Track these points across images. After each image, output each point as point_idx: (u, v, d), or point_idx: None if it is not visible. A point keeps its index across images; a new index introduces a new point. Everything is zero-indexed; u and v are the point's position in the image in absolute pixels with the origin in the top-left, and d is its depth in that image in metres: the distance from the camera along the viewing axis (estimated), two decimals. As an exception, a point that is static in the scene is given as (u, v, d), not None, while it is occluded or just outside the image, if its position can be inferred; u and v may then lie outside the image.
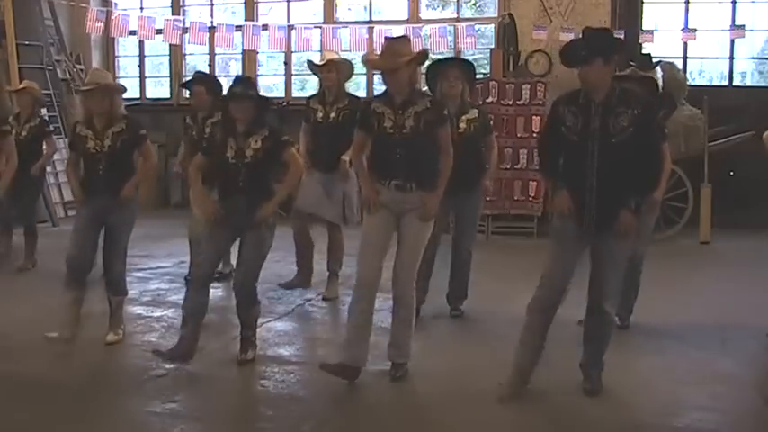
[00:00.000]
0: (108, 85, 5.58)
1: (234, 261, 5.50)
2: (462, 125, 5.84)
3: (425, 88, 6.10)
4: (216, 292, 5.59)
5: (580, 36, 4.47)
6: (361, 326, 4.75)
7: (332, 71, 6.47)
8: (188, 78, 7.71)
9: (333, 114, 6.45)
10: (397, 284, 4.79)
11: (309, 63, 6.84)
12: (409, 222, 4.75)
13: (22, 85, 8.10)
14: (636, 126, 4.25)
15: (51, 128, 8.58)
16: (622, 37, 9.74)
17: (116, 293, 5.63)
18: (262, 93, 5.43)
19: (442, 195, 4.80)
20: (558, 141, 4.46)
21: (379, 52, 5.07)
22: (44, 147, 7.95)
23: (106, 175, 5.41)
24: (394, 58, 4.68)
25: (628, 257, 4.62)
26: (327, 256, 6.80)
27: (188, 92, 7.40)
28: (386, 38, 5.03)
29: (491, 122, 6.25)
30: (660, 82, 9.18)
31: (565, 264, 4.44)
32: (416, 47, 10.46)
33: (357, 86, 11.43)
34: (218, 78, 7.64)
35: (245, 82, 5.21)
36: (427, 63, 5.81)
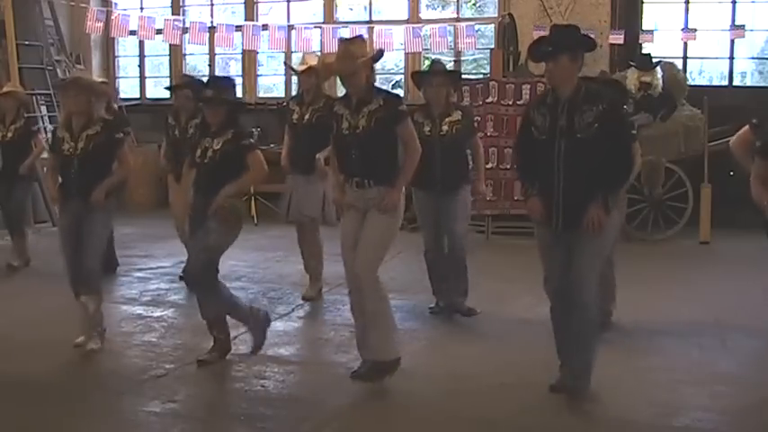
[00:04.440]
0: (81, 79, 5.56)
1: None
2: (445, 127, 5.96)
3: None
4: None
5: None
6: (363, 324, 4.79)
7: (311, 76, 6.47)
8: (171, 85, 7.72)
9: (307, 116, 6.47)
10: (357, 275, 4.70)
11: (288, 66, 6.73)
12: (371, 215, 4.73)
13: (6, 89, 8.08)
14: (602, 122, 4.23)
15: (37, 127, 8.61)
16: (621, 37, 9.80)
17: (87, 291, 5.37)
18: (235, 94, 5.35)
19: (402, 189, 4.76)
20: (530, 144, 4.48)
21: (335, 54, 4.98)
22: (33, 146, 7.97)
23: (79, 178, 5.33)
24: (350, 60, 4.66)
25: (604, 254, 4.56)
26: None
27: (172, 94, 7.38)
28: (340, 39, 4.98)
29: (475, 124, 6.28)
30: (661, 83, 9.24)
31: (553, 268, 4.43)
32: (415, 47, 10.67)
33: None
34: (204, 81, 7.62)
35: (219, 84, 5.18)
36: (414, 71, 6.01)
